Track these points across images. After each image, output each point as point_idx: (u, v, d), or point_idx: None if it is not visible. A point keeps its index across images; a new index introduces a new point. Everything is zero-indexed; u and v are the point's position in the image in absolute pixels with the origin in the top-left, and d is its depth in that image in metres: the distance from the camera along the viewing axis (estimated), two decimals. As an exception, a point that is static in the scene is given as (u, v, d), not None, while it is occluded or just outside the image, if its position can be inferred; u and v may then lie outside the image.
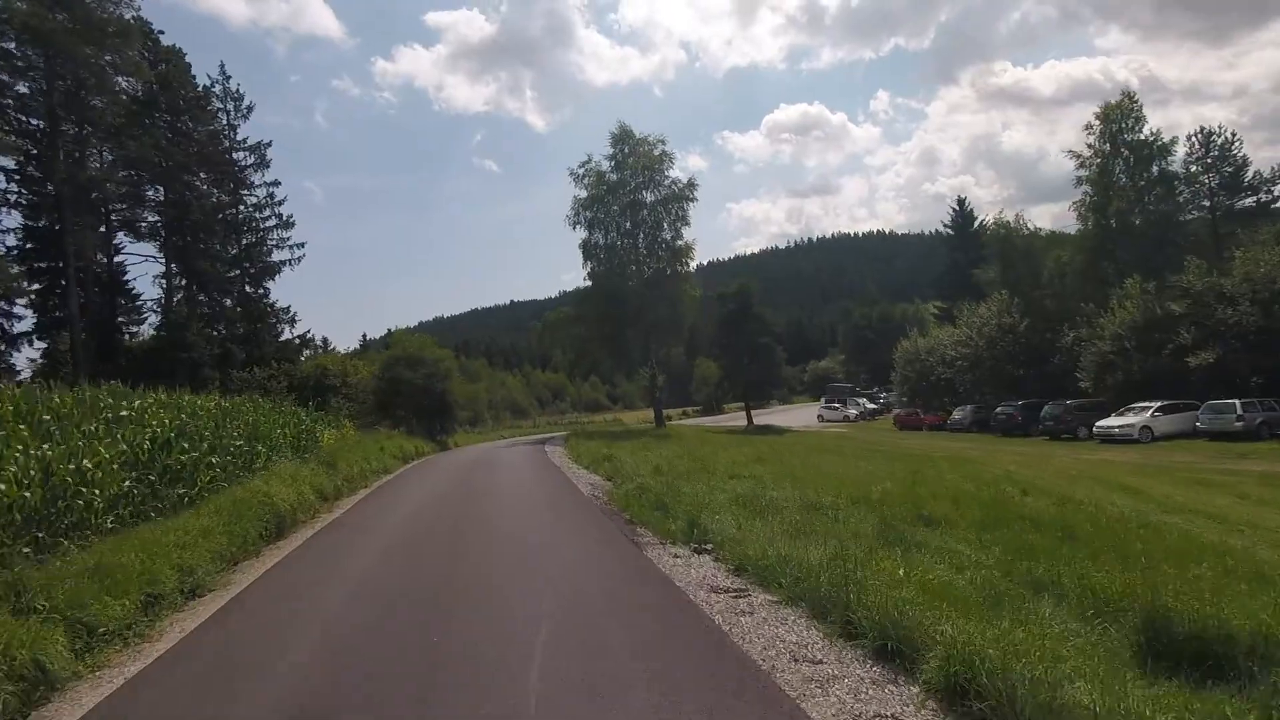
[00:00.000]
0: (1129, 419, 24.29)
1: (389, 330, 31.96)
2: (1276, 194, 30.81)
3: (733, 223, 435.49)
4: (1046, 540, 7.09)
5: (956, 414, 38.90)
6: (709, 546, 6.88)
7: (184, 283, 35.85)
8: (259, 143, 36.97)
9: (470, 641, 4.82)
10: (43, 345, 31.10)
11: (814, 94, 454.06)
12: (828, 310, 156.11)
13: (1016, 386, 38.08)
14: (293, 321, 37.91)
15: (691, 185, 37.13)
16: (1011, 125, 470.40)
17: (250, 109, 37.65)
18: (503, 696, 3.87)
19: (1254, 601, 4.55)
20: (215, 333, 35.31)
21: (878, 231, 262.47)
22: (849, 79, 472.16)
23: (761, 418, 57.38)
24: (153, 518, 8.67)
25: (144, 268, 38.09)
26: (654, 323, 37.28)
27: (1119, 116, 31.52)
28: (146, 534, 7.48)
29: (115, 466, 8.57)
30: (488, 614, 5.43)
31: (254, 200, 37.15)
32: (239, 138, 37.21)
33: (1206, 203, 31.35)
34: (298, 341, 37.87)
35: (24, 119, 29.08)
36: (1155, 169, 31.09)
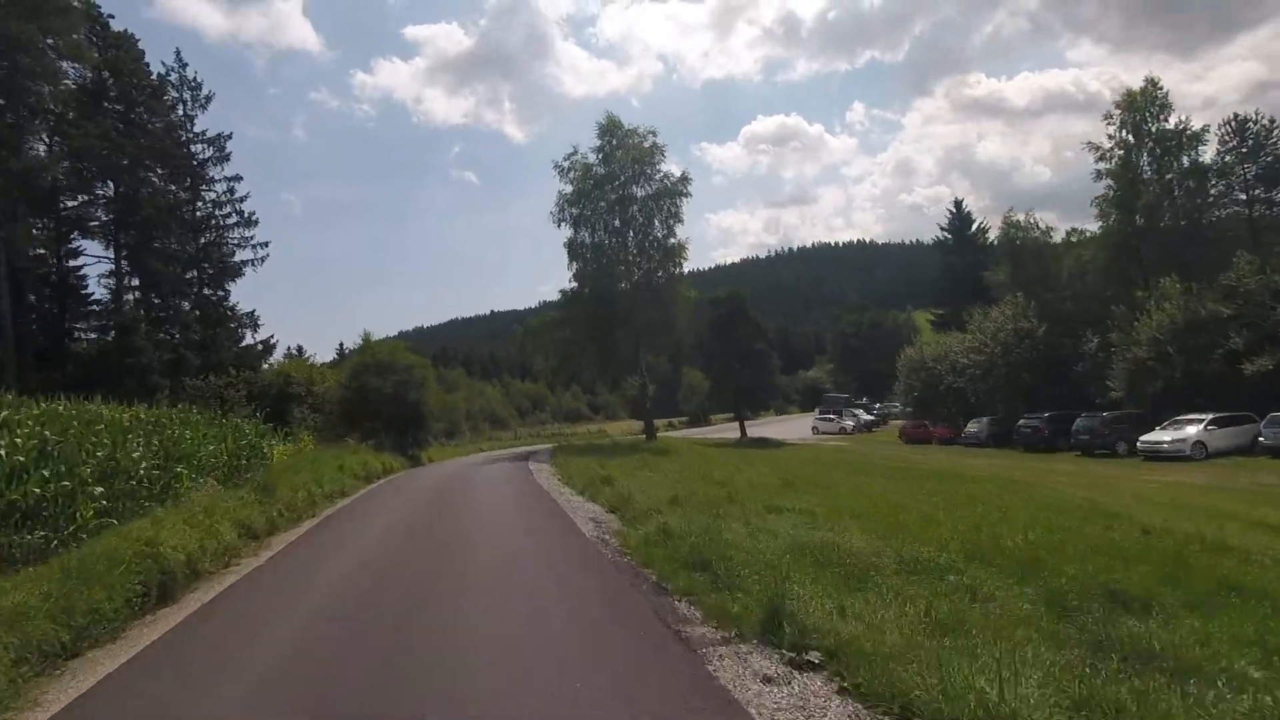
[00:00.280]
0: (1180, 433, 22.02)
1: (363, 336, 28.81)
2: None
3: (711, 233, 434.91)
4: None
5: (972, 427, 36.63)
6: (813, 655, 4.18)
7: (136, 283, 32.71)
8: (218, 135, 34.02)
9: None
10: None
11: (791, 105, 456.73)
12: (810, 319, 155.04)
13: (1033, 396, 35.98)
14: (255, 326, 34.88)
15: (685, 180, 34.71)
16: (986, 136, 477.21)
17: (209, 98, 34.76)
18: None
19: None
20: (167, 337, 32.15)
21: (857, 241, 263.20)
22: (825, 91, 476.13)
23: (753, 429, 54.92)
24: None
25: (102, 268, 34.16)
26: (645, 326, 34.66)
27: (1142, 104, 29.51)
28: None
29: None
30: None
31: (213, 196, 34.16)
32: (197, 129, 34.26)
33: (1242, 196, 29.40)
34: (260, 347, 34.80)
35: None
36: (1185, 160, 29.06)
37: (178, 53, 36.46)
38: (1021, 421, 32.66)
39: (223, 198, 33.47)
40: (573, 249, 35.35)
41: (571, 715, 3.77)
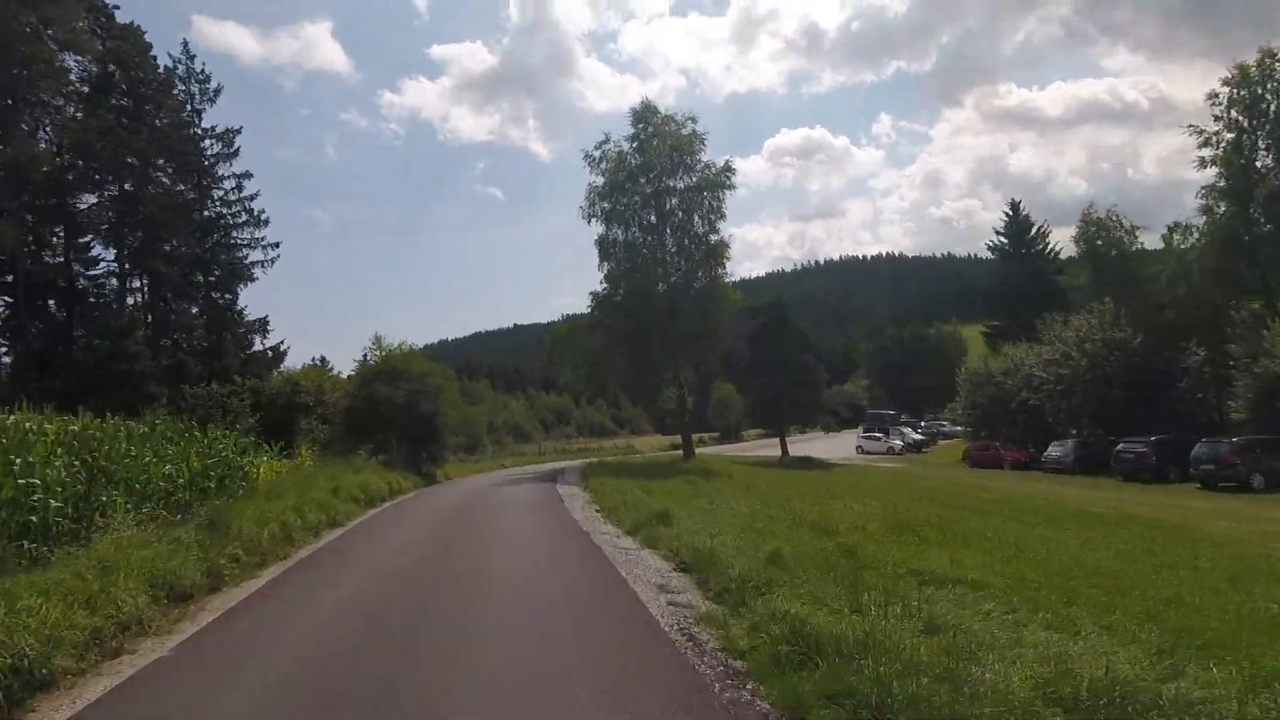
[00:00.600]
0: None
1: (374, 339, 26.03)
2: None
3: (735, 247, 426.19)
4: None
5: (1054, 450, 32.61)
6: None
7: (138, 285, 30.47)
8: (227, 129, 31.65)
9: None
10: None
11: (815, 118, 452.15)
12: (839, 333, 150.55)
13: (1123, 416, 31.81)
14: (265, 332, 32.41)
15: (728, 170, 31.59)
16: (1018, 147, 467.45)
17: (218, 92, 32.62)
18: None
19: None
20: (168, 342, 29.77)
21: (886, 254, 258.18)
22: (850, 102, 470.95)
23: (792, 447, 51.21)
24: None
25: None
26: (684, 334, 31.48)
27: (1258, 79, 25.71)
28: None
29: None
30: None
31: (221, 194, 31.88)
32: (205, 125, 32.06)
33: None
34: (269, 354, 32.29)
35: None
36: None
37: (185, 44, 34.78)
38: (1121, 446, 28.55)
39: (230, 195, 31.12)
40: (604, 247, 32.40)
41: None
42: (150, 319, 29.50)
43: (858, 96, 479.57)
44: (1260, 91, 25.72)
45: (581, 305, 32.25)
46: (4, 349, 28.40)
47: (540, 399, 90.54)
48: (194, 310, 29.88)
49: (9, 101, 25.58)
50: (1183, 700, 3.60)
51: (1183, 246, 33.04)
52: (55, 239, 28.45)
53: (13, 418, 10.28)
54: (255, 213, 31.19)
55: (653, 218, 32.01)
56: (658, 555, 9.21)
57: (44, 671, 5.02)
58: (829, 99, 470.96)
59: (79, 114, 27.53)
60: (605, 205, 32.13)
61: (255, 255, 31.78)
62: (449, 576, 8.54)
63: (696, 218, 31.52)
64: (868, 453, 49.92)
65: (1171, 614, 5.76)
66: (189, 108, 32.11)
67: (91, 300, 29.29)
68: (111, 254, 29.61)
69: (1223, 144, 26.91)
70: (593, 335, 32.03)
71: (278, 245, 31.93)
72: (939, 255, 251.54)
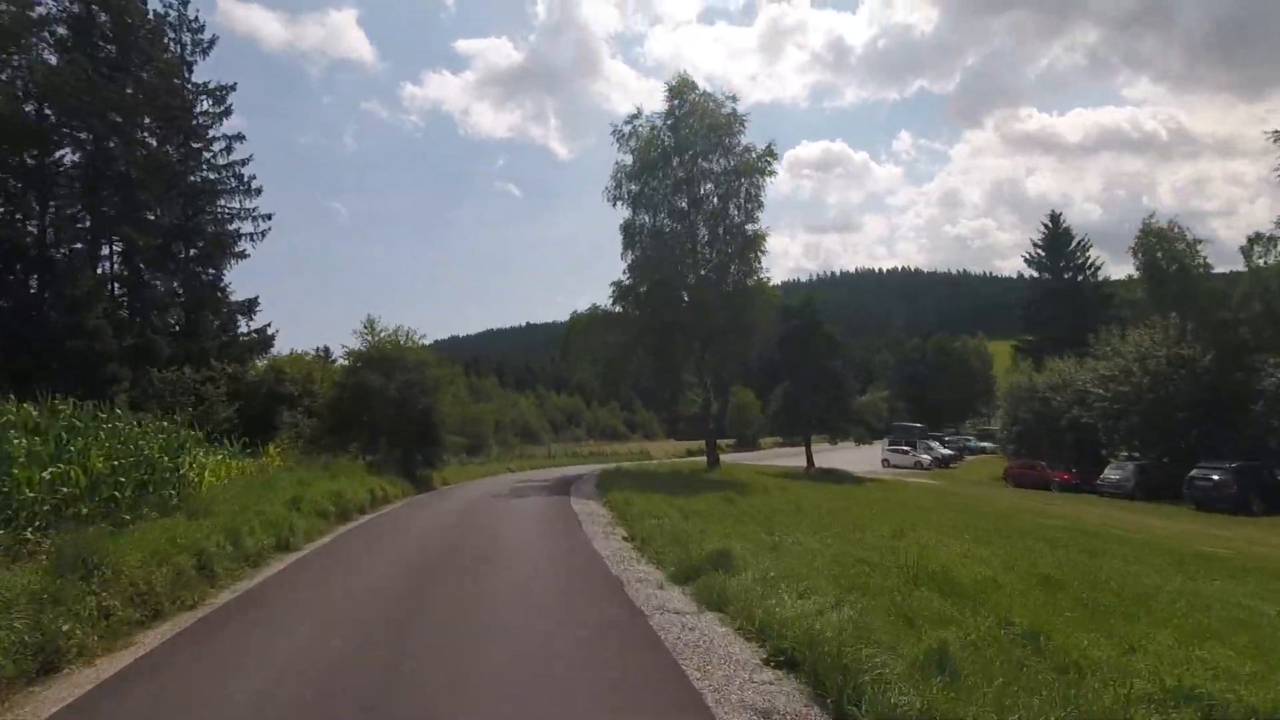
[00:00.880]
0: None
1: (365, 322, 22.92)
2: None
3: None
4: None
5: (1112, 473, 29.53)
6: None
7: (110, 252, 27.61)
8: (220, 86, 28.80)
9: None
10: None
11: (836, 132, 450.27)
12: (856, 345, 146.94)
13: (1186, 440, 28.88)
14: (251, 314, 29.50)
15: (770, 154, 28.42)
16: (1036, 171, 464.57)
17: (212, 43, 29.66)
18: None
19: None
20: (139, 319, 26.87)
21: (902, 269, 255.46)
22: (872, 118, 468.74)
23: (778, 458, 48.05)
24: None
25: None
26: (714, 331, 28.43)
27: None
28: None
29: None
30: None
31: (208, 157, 28.96)
32: (196, 79, 29.18)
33: None
34: (255, 338, 29.38)
35: None
36: None
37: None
38: (1196, 472, 25.61)
39: (218, 156, 28.23)
40: (629, 233, 29.40)
41: None
42: (119, 292, 26.63)
43: (880, 113, 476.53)
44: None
45: (609, 286, 29.22)
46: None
47: (550, 399, 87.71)
48: (172, 285, 26.88)
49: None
50: None
51: (1261, 261, 30.10)
52: (30, 201, 25.69)
53: None
54: (246, 179, 28.29)
55: (684, 203, 28.99)
56: (731, 630, 6.13)
57: None
58: (851, 114, 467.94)
59: (56, 59, 24.75)
60: (633, 187, 29.16)
61: (246, 228, 28.84)
62: (423, 644, 5.49)
63: (732, 205, 28.47)
64: (894, 466, 46.77)
65: None
66: (179, 56, 29.13)
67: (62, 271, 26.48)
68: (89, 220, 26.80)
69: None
70: (613, 329, 28.98)
71: (269, 217, 29.04)
72: (955, 272, 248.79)
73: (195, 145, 28.23)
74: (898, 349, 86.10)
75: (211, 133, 28.48)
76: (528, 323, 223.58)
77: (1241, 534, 20.68)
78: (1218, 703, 4.47)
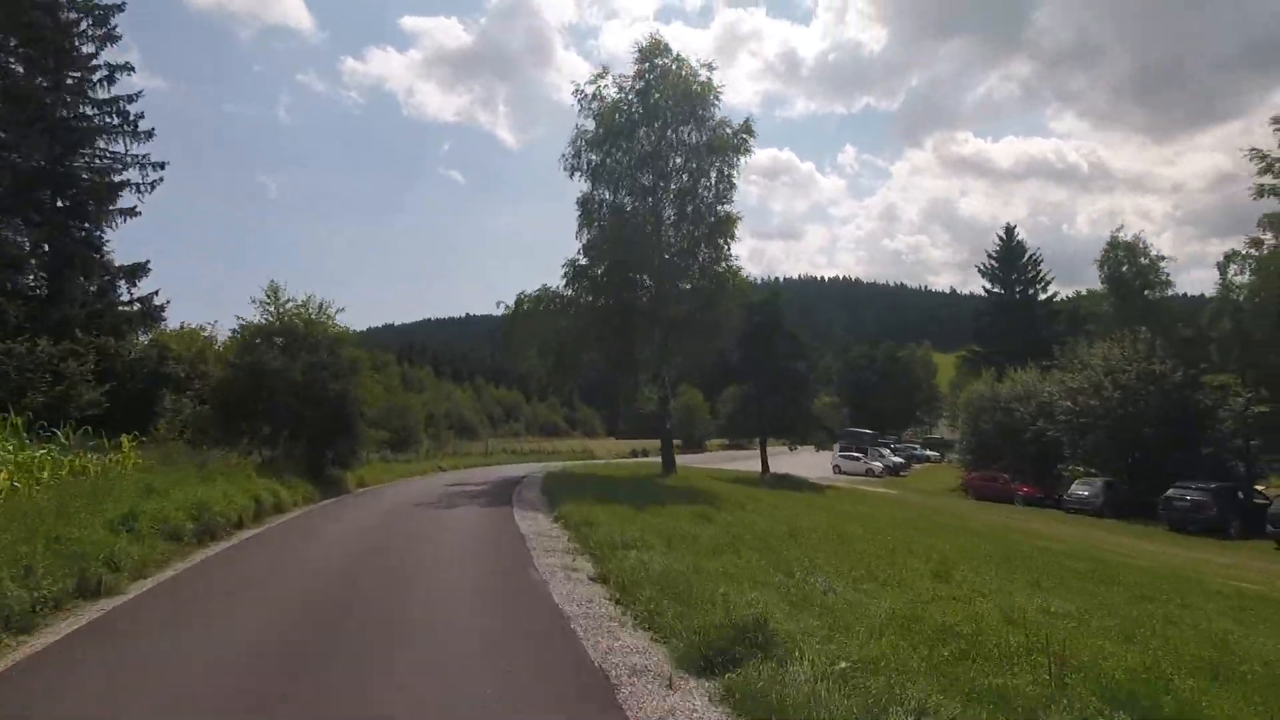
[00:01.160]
0: None
1: (267, 289, 19.03)
2: None
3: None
4: None
5: (1081, 489, 28.30)
6: None
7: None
8: (98, 5, 24.16)
9: None
10: None
11: (785, 140, 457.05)
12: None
13: (1154, 457, 28.00)
14: (135, 280, 25.10)
15: (747, 131, 25.77)
16: (969, 193, 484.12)
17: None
18: None
19: None
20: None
21: (843, 278, 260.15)
22: (820, 130, 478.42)
23: (730, 462, 45.94)
24: None
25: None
26: (678, 322, 25.67)
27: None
28: None
29: None
30: None
31: (87, 88, 24.34)
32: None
33: None
34: (138, 309, 24.99)
35: None
36: None
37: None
38: (1173, 492, 24.45)
39: (100, 89, 23.71)
40: (587, 209, 26.33)
41: None
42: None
43: (828, 125, 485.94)
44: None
45: (561, 268, 25.96)
46: None
47: (489, 391, 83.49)
48: (30, 239, 22.30)
49: None
50: None
51: (1237, 278, 29.63)
52: None
53: None
54: (132, 118, 23.82)
55: (648, 178, 26.04)
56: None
57: None
58: (800, 124, 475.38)
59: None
60: (594, 157, 26.09)
61: (133, 177, 24.41)
62: None
63: (703, 184, 25.69)
64: (845, 473, 45.32)
65: None
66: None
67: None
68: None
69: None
70: (564, 314, 25.81)
71: (162, 166, 24.66)
72: (892, 284, 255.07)
73: (71, 75, 23.63)
74: (845, 355, 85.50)
75: (90, 57, 23.85)
76: (468, 313, 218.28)
77: (1241, 561, 19.24)
78: None
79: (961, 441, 37.73)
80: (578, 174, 26.39)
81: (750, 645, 5.16)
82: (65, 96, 23.30)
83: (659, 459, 45.62)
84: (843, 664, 4.83)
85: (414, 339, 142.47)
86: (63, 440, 12.08)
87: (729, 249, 25.72)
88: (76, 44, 23.52)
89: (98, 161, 23.67)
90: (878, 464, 46.78)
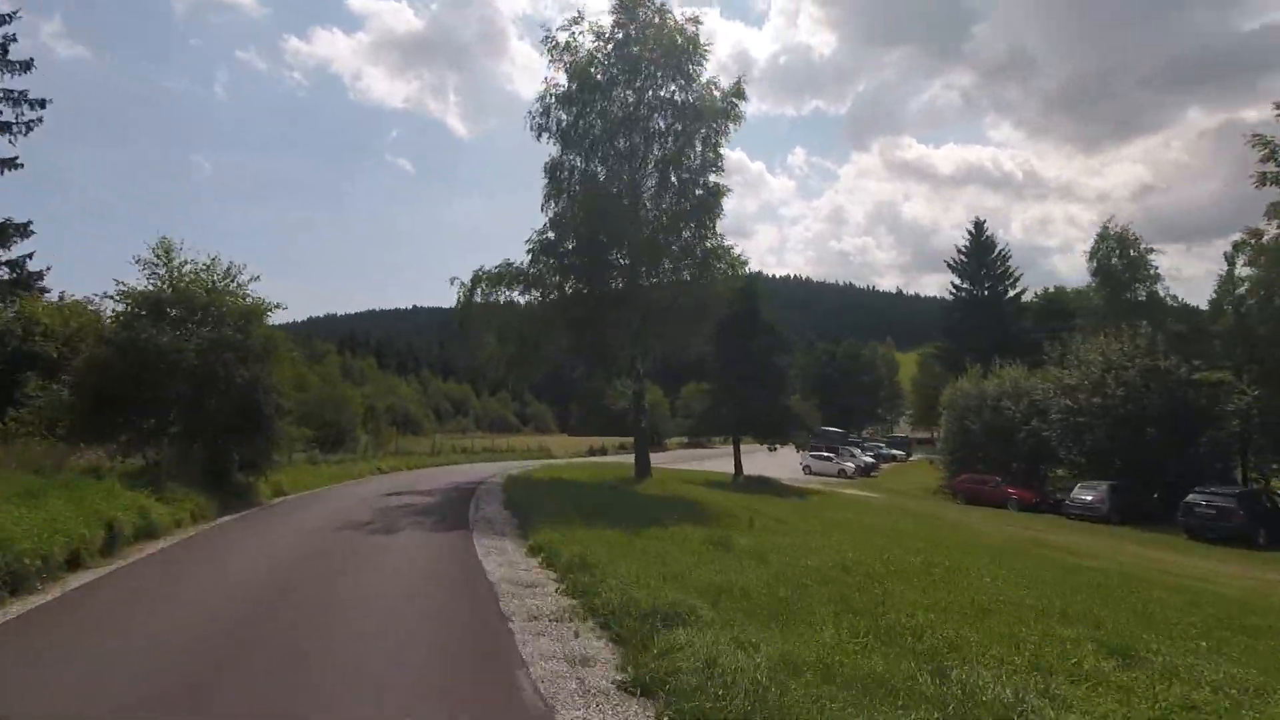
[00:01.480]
0: None
1: (157, 246, 15.18)
2: None
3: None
4: None
5: (1084, 494, 26.29)
6: None
7: None
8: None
9: None
10: None
11: (736, 140, 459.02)
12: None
13: (1155, 458, 26.32)
14: (6, 240, 20.73)
15: (737, 93, 22.79)
16: (912, 197, 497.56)
17: None
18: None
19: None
20: None
21: (794, 277, 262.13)
22: (771, 131, 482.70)
23: (699, 462, 43.31)
24: None
25: None
26: (658, 306, 22.62)
27: None
28: None
29: None
30: None
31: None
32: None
33: None
34: (5, 275, 20.60)
35: None
36: None
37: None
38: (1195, 497, 22.56)
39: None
40: (556, 177, 23.01)
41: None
42: None
43: (779, 127, 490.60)
44: None
45: (525, 243, 22.53)
46: None
47: (435, 384, 78.90)
48: None
49: None
50: None
51: (1243, 270, 28.18)
52: None
53: None
54: (3, 41, 19.41)
55: (625, 144, 22.86)
56: None
57: None
58: (751, 124, 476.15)
59: None
60: (564, 116, 22.77)
61: (4, 115, 20.02)
62: None
63: (690, 150, 22.59)
64: (815, 473, 43.13)
65: None
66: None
67: None
68: None
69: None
70: (528, 295, 22.45)
71: (43, 105, 20.32)
72: (841, 284, 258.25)
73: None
74: (809, 352, 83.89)
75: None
76: (415, 305, 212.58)
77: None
78: None
79: (944, 441, 35.70)
80: (546, 135, 23.12)
81: None
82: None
83: (622, 459, 42.79)
84: None
85: (357, 329, 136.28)
86: None
87: (715, 225, 22.72)
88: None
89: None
90: (850, 464, 44.77)
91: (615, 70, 22.37)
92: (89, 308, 20.12)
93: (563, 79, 22.40)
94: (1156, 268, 33.72)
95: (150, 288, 14.79)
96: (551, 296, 22.55)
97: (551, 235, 22.96)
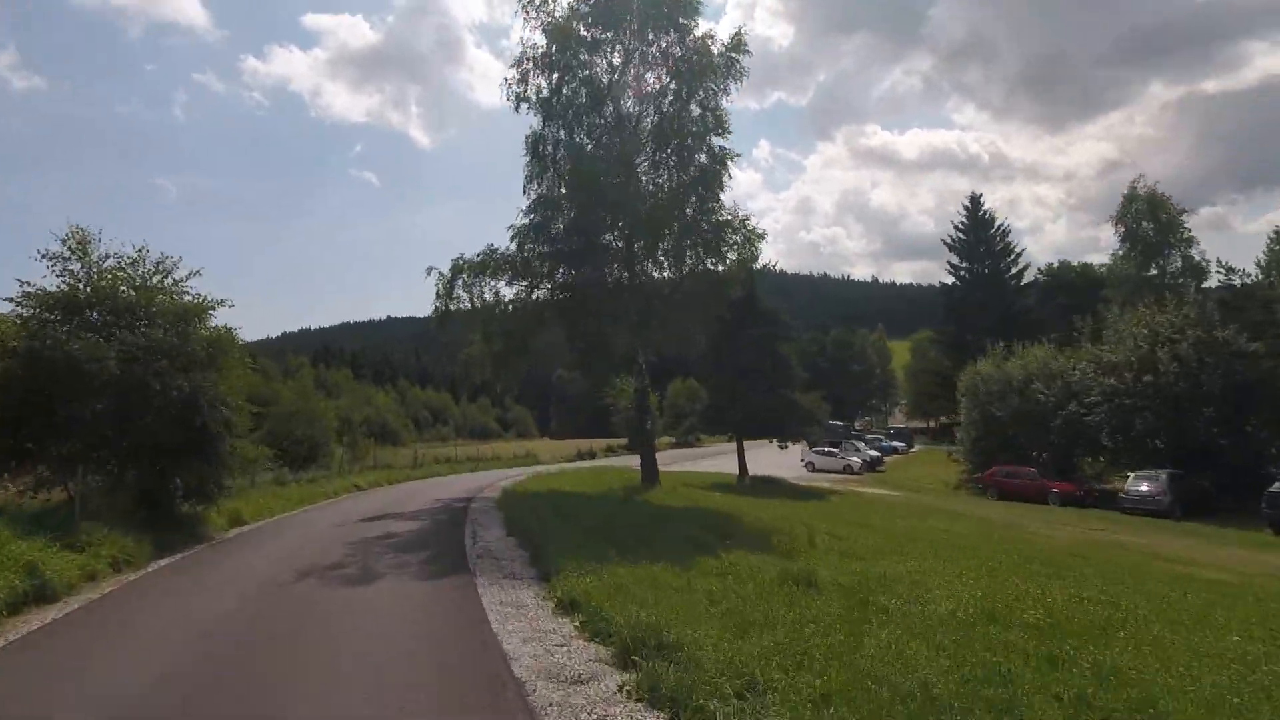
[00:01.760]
0: None
1: (69, 233, 12.52)
2: None
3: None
4: None
5: (1141, 484, 24.06)
6: None
7: None
8: None
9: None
10: None
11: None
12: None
13: (1204, 441, 24.23)
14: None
15: (738, 47, 20.40)
16: (878, 184, 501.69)
17: None
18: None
19: None
20: None
21: (769, 268, 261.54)
22: (735, 124, 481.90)
23: (715, 461, 41.12)
24: None
25: None
26: (659, 291, 20.26)
27: None
28: None
29: None
30: None
31: None
32: None
33: None
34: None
35: None
36: None
37: None
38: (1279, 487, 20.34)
39: None
40: (538, 152, 20.52)
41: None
42: None
43: (743, 120, 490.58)
44: None
45: (508, 229, 20.01)
46: None
47: (413, 393, 75.77)
48: None
49: None
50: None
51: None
52: None
53: None
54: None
55: (611, 109, 20.43)
56: None
57: None
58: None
59: None
60: (543, 83, 20.31)
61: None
62: None
63: (689, 112, 20.17)
64: (819, 470, 40.97)
65: None
66: None
67: None
68: None
69: None
70: (516, 286, 19.92)
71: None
72: (815, 275, 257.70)
73: None
74: (796, 342, 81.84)
75: None
76: (389, 316, 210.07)
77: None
78: None
79: (964, 431, 33.64)
80: (525, 106, 20.61)
81: None
82: None
83: (616, 462, 40.29)
84: None
85: (331, 343, 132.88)
86: None
87: (718, 195, 20.15)
88: None
89: None
90: (856, 459, 42.70)
91: (599, 27, 19.93)
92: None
93: (540, 39, 19.94)
94: (1189, 230, 31.78)
95: (63, 287, 12.10)
96: (542, 287, 20.06)
97: (531, 218, 20.42)
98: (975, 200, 53.91)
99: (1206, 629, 6.94)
